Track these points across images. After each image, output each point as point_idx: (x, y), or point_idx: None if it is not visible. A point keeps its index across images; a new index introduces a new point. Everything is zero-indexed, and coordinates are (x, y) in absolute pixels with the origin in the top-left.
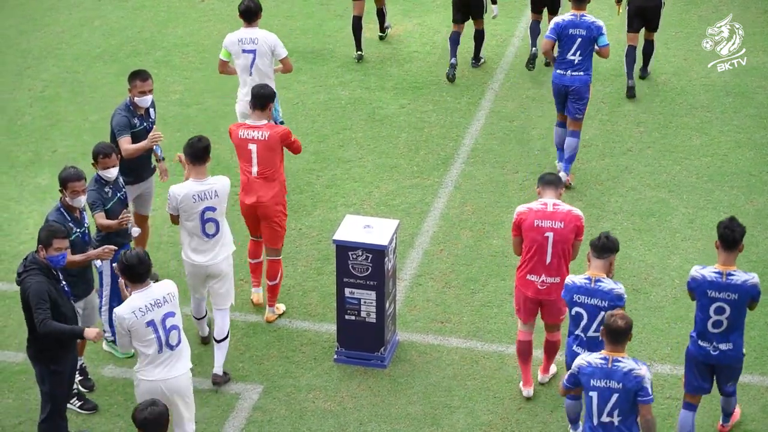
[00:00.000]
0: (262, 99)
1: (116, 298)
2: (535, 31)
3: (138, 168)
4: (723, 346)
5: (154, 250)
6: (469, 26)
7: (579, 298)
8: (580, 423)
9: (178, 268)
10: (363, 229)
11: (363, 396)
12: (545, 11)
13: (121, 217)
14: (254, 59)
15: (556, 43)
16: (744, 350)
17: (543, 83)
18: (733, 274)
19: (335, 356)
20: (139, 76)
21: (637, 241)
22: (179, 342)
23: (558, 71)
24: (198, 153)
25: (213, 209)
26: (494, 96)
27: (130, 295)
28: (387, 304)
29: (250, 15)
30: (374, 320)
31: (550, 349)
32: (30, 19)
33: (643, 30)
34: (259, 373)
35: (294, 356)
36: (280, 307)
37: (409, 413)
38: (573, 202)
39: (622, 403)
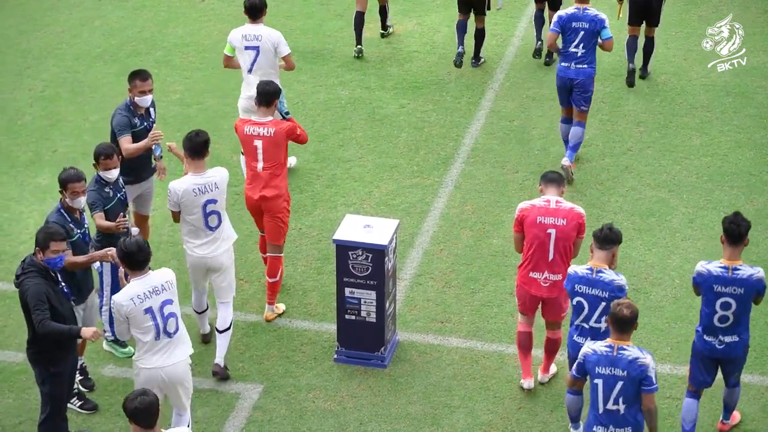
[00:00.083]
0: (268, 96)
1: None
2: (539, 20)
3: (138, 168)
4: (728, 339)
5: (154, 249)
6: (470, 25)
7: (580, 288)
8: (581, 423)
9: (179, 268)
10: (363, 228)
11: (363, 396)
12: (546, 5)
13: (118, 220)
14: (257, 55)
15: (560, 37)
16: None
17: (543, 83)
18: (738, 269)
19: (335, 356)
20: (139, 75)
21: (637, 240)
22: (177, 329)
23: (562, 64)
24: (196, 147)
25: (215, 201)
26: (494, 96)
27: (129, 282)
28: (387, 304)
29: (254, 11)
30: (374, 320)
31: (551, 348)
32: (30, 19)
33: (644, 27)
34: (260, 372)
35: (294, 356)
36: (280, 307)
37: (409, 413)
38: (573, 202)
39: (627, 391)
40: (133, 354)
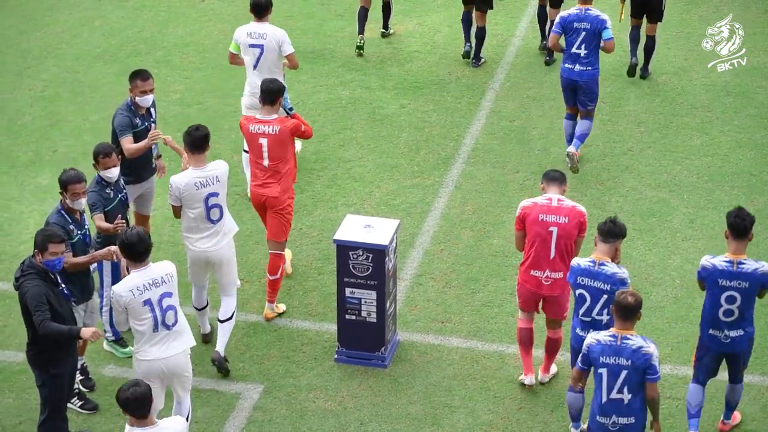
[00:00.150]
0: (272, 94)
1: None
2: (542, 17)
3: (139, 168)
4: (733, 333)
5: (154, 249)
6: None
7: (582, 281)
8: (581, 423)
9: (179, 267)
10: (363, 228)
11: (363, 396)
12: (548, 2)
13: (116, 223)
14: (261, 53)
15: (563, 37)
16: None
17: (544, 83)
18: (743, 263)
19: (336, 356)
20: (139, 75)
21: (637, 241)
22: (176, 322)
23: (566, 65)
24: (196, 142)
25: (216, 194)
26: (495, 96)
27: (129, 273)
28: (387, 304)
29: (260, 10)
30: (375, 320)
31: (552, 347)
32: (30, 19)
33: (645, 24)
34: (260, 372)
35: (294, 356)
36: (280, 306)
37: (410, 413)
38: (574, 201)
39: (631, 380)
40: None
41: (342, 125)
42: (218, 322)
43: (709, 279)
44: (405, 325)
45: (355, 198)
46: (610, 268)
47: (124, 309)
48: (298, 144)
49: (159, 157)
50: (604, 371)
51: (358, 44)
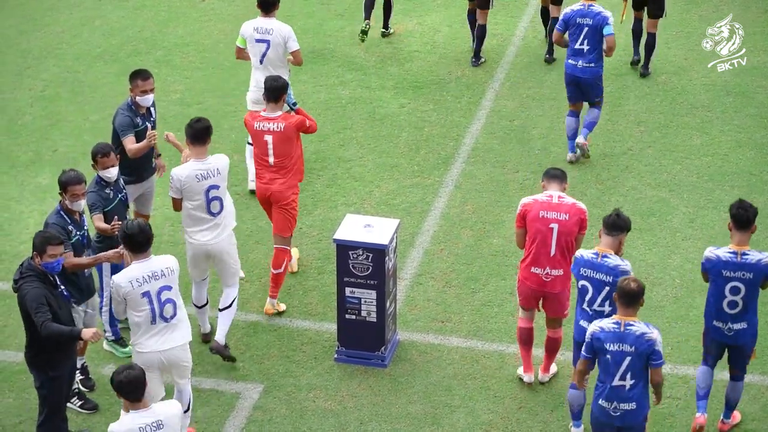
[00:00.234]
0: (276, 91)
1: None
2: (545, 17)
3: (140, 167)
4: (737, 326)
5: (154, 249)
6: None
7: (585, 272)
8: (582, 422)
9: (181, 266)
10: (363, 228)
11: (363, 395)
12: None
13: (112, 224)
14: (267, 48)
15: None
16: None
17: (544, 82)
18: (747, 254)
19: (336, 355)
20: (140, 75)
21: (637, 240)
22: (174, 315)
23: (569, 61)
24: (197, 133)
25: (217, 187)
26: (495, 95)
27: (130, 264)
28: (387, 304)
29: (267, 5)
30: (375, 319)
31: (552, 347)
32: (30, 19)
33: (645, 21)
34: (260, 372)
35: (294, 355)
36: (281, 306)
37: (410, 412)
38: None
39: (635, 366)
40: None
41: (342, 125)
42: (218, 312)
43: (713, 270)
44: (405, 324)
45: (355, 197)
46: (613, 260)
47: (123, 299)
48: None
49: (158, 156)
50: (609, 358)
51: (363, 29)
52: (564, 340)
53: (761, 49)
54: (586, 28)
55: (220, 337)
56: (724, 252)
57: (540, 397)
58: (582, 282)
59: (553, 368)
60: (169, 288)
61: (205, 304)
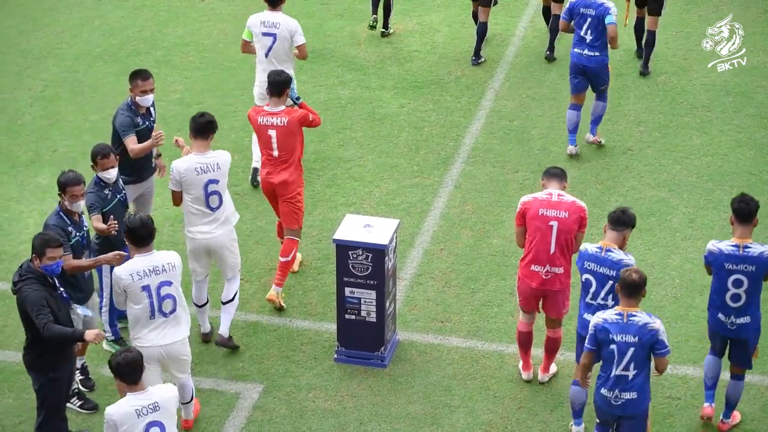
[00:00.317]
0: (279, 86)
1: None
2: (547, 15)
3: (140, 168)
4: (740, 321)
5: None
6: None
7: (589, 266)
8: (582, 420)
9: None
10: (363, 228)
11: (363, 395)
12: None
13: (109, 224)
14: (274, 42)
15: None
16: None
17: (543, 82)
18: (749, 247)
19: (335, 355)
20: (140, 75)
21: (637, 240)
22: (174, 310)
23: (575, 50)
24: (200, 127)
25: (216, 182)
26: (494, 95)
27: (132, 258)
28: (387, 304)
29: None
30: (374, 320)
31: (551, 347)
32: (30, 19)
33: (646, 18)
34: (260, 372)
35: (294, 355)
36: (282, 301)
37: (410, 412)
38: None
39: (638, 356)
40: None
41: (342, 125)
42: (221, 305)
43: (715, 263)
44: (405, 324)
45: (354, 198)
46: (617, 254)
47: (123, 291)
48: None
49: (159, 156)
50: (613, 348)
51: (371, 24)
52: (564, 339)
53: (761, 49)
54: (589, 19)
55: (223, 330)
56: (726, 245)
57: (540, 397)
58: (586, 275)
59: (553, 368)
60: (169, 283)
61: (206, 303)
